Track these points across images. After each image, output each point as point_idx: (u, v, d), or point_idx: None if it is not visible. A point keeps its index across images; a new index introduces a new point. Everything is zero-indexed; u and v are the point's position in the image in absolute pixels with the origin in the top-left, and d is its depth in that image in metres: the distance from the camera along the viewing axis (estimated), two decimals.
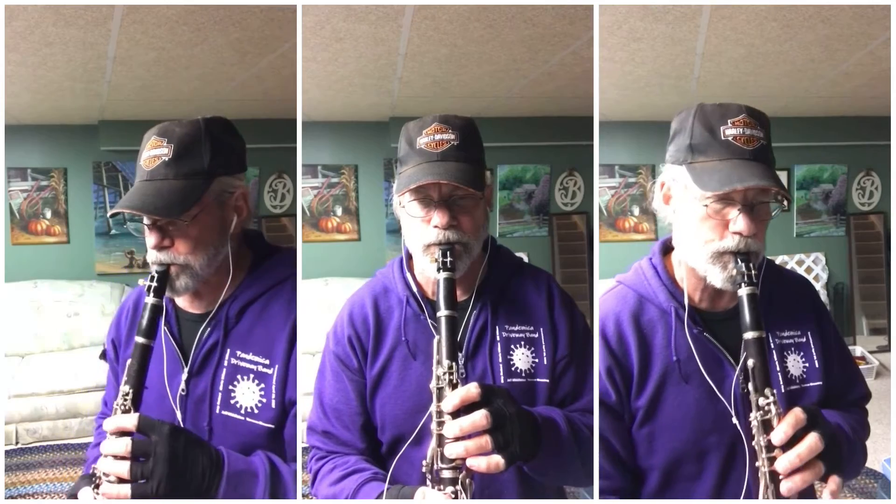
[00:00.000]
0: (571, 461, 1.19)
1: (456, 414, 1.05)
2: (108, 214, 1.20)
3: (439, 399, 1.08)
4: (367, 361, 1.30)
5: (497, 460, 1.03)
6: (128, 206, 1.14)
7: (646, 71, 3.67)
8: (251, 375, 1.21)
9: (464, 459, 1.04)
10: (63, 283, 4.66)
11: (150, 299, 1.15)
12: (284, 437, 1.21)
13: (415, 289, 1.31)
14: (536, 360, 1.29)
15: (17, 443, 3.84)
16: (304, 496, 1.33)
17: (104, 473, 1.06)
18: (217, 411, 1.20)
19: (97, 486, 1.07)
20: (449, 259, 1.18)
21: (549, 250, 5.36)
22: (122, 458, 1.05)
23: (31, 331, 4.43)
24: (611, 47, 3.29)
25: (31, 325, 4.44)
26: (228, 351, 1.22)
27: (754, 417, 1.07)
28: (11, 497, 3.11)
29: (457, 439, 1.04)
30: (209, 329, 1.24)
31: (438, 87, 3.92)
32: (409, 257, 1.33)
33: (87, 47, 3.15)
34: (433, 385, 1.09)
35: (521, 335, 1.30)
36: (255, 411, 1.20)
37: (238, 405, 1.20)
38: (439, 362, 1.10)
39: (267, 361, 1.21)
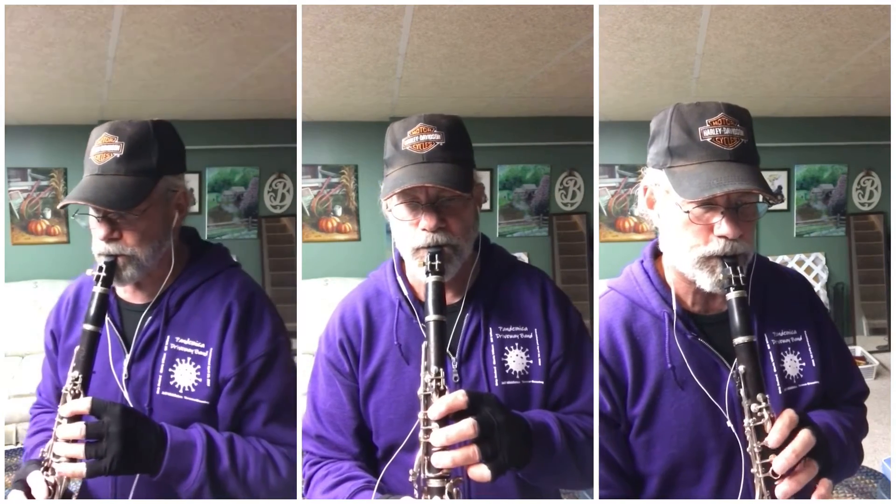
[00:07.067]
0: (566, 466, 1.17)
1: (443, 422, 1.03)
2: (59, 206, 1.26)
3: (426, 406, 1.06)
4: (359, 365, 1.29)
5: (483, 472, 1.01)
6: (82, 197, 1.21)
7: (646, 71, 3.67)
8: (188, 358, 1.29)
9: (451, 469, 1.02)
10: (63, 283, 4.60)
11: (98, 288, 1.22)
12: (217, 411, 1.29)
13: (406, 292, 1.29)
14: (531, 362, 1.27)
15: (17, 443, 3.84)
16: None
17: (55, 455, 1.11)
18: (157, 392, 1.28)
19: (47, 469, 1.14)
20: (437, 262, 1.16)
21: (549, 250, 5.36)
22: (77, 441, 1.10)
23: (31, 331, 4.42)
24: (611, 47, 3.29)
25: (31, 325, 4.43)
26: (168, 337, 1.30)
27: (747, 423, 1.05)
28: None
29: (443, 448, 1.02)
30: (150, 318, 1.31)
31: (438, 87, 3.91)
32: (402, 259, 1.31)
33: (87, 47, 3.15)
34: (420, 392, 1.07)
35: (515, 336, 1.28)
36: (192, 390, 1.28)
37: (176, 385, 1.28)
38: (427, 368, 1.08)
39: (203, 345, 1.29)
